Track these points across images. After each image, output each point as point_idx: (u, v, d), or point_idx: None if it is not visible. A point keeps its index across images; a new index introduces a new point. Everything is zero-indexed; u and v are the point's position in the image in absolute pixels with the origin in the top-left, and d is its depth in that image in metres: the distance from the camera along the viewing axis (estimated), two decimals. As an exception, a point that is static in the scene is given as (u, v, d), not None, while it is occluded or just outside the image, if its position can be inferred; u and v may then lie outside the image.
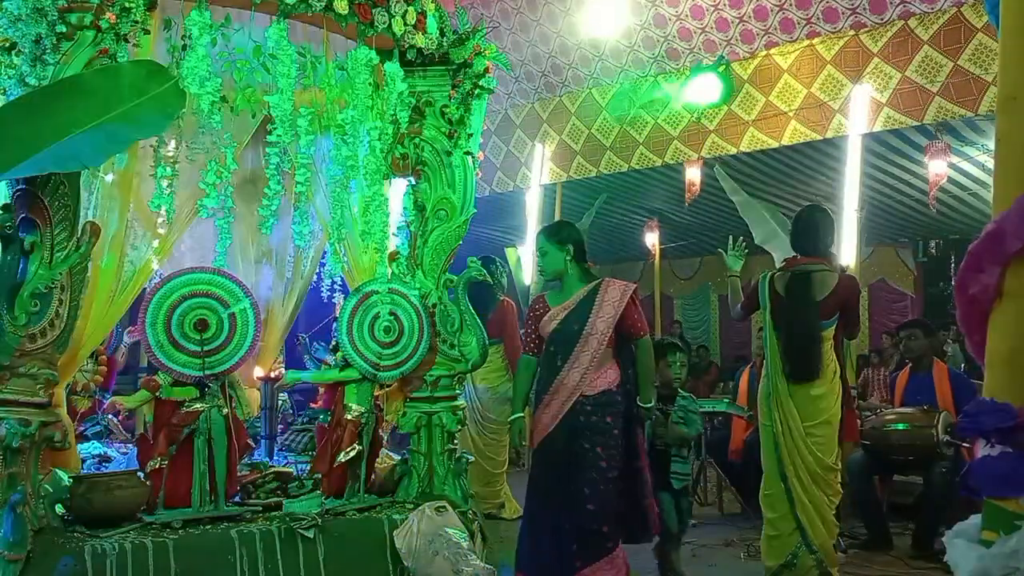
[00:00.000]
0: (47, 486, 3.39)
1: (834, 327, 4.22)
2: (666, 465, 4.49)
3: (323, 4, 3.78)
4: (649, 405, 4.01)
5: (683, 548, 5.24)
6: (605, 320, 3.98)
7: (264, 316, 4.57)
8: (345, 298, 4.20)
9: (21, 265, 3.22)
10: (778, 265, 4.90)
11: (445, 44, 4.30)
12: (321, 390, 4.53)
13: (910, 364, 5.74)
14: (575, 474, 3.88)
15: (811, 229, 4.36)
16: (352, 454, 3.91)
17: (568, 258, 4.10)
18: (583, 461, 3.88)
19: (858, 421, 5.19)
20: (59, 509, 3.39)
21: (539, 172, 9.09)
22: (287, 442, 5.07)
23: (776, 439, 4.24)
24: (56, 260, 3.25)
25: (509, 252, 9.05)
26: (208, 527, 3.48)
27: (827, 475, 4.16)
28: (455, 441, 4.37)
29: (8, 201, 3.30)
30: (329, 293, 4.16)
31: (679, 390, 4.65)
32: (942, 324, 10.04)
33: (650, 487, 4.08)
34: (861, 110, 6.84)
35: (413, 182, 4.39)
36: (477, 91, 4.41)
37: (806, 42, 7.26)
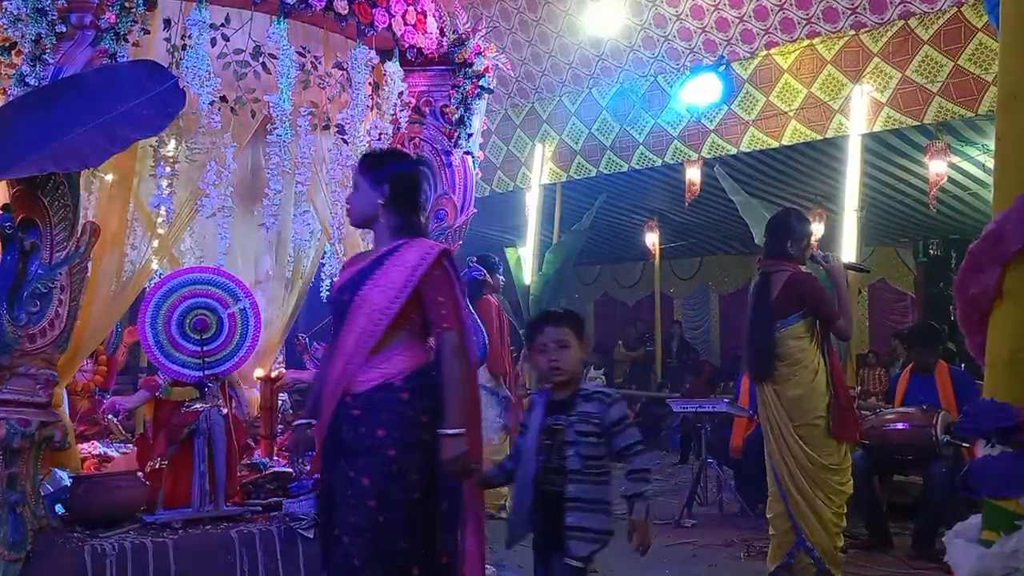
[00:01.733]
0: (47, 486, 3.39)
1: (800, 325, 4.19)
2: (556, 516, 2.66)
3: (323, 4, 3.78)
4: (454, 432, 2.70)
5: (683, 548, 5.25)
6: (385, 289, 2.77)
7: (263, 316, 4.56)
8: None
9: (21, 265, 3.22)
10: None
11: (445, 44, 4.31)
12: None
13: (913, 364, 5.74)
14: (335, 513, 2.74)
15: (774, 232, 4.39)
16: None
17: (379, 202, 2.88)
18: (345, 494, 2.72)
19: (859, 421, 5.18)
20: (59, 509, 3.39)
21: (539, 172, 9.09)
22: (287, 442, 5.07)
23: (767, 438, 4.25)
24: (56, 260, 3.25)
25: (509, 252, 9.04)
26: (208, 527, 3.48)
27: (823, 474, 4.14)
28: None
29: (8, 201, 3.30)
30: (329, 293, 4.16)
31: (581, 385, 2.80)
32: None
33: (469, 546, 2.91)
34: (861, 110, 6.84)
35: (413, 182, 4.39)
36: (477, 91, 4.41)
37: (806, 42, 7.25)
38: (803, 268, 4.31)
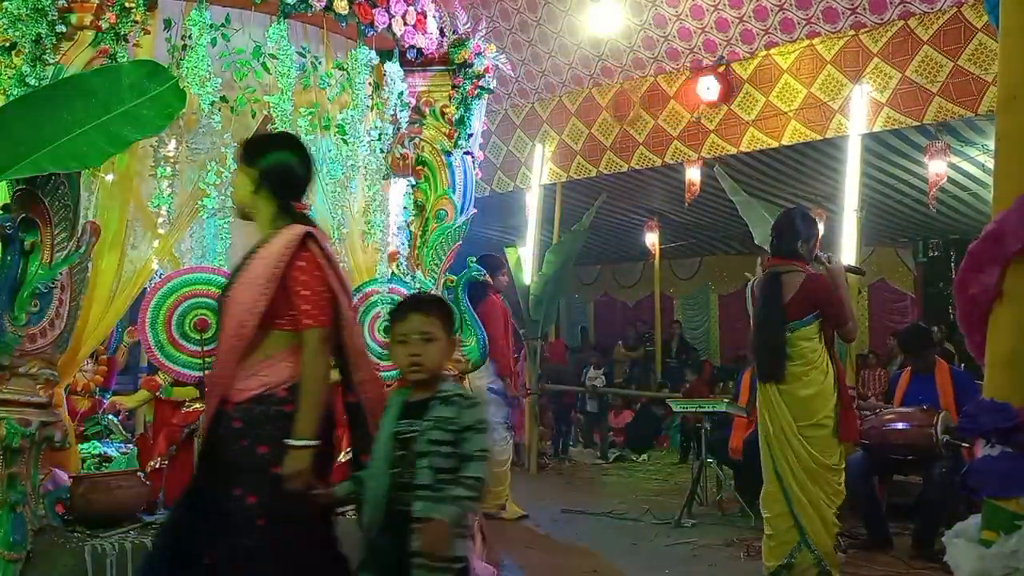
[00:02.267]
0: (47, 486, 3.39)
1: (813, 327, 4.20)
2: (405, 540, 2.30)
3: (323, 4, 3.78)
4: (298, 444, 2.44)
5: (683, 548, 5.25)
6: (251, 286, 2.53)
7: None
8: (345, 298, 4.19)
9: (21, 265, 3.22)
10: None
11: (445, 44, 4.31)
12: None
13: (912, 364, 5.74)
14: (207, 535, 2.49)
15: (782, 231, 4.38)
16: (352, 454, 3.91)
17: (251, 189, 2.67)
18: (233, 514, 2.47)
19: (858, 421, 5.18)
20: (59, 509, 3.39)
21: (539, 172, 9.09)
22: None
23: (768, 438, 4.24)
24: (56, 260, 3.25)
25: (509, 252, 9.04)
26: (208, 527, 3.48)
27: (826, 474, 4.15)
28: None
29: (8, 201, 3.30)
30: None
31: (442, 385, 2.45)
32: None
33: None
34: (861, 110, 6.83)
35: (413, 182, 4.40)
36: (477, 91, 4.42)
37: (806, 42, 7.25)
38: (811, 269, 4.31)
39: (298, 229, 2.58)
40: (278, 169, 2.66)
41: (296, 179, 2.70)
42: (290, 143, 2.80)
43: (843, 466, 4.23)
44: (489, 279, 5.81)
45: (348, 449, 3.91)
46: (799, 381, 4.16)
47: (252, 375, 2.52)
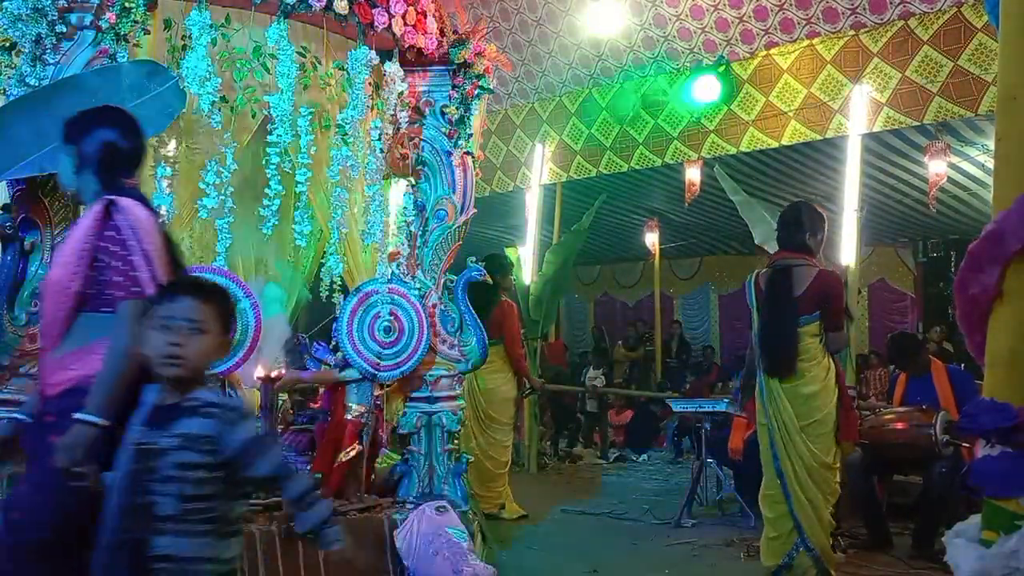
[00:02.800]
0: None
1: (817, 323, 4.19)
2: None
3: (323, 4, 3.79)
4: (83, 418, 2.17)
5: (683, 548, 5.25)
6: (64, 263, 2.37)
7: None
8: (345, 298, 4.20)
9: (21, 265, 3.22)
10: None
11: (445, 44, 4.31)
12: (321, 390, 4.53)
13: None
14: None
15: (789, 224, 4.37)
16: (352, 454, 3.92)
17: (73, 170, 2.50)
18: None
19: (858, 421, 5.18)
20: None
21: (539, 172, 9.08)
22: (287, 442, 5.07)
23: (771, 436, 4.23)
24: (56, 260, 3.25)
25: (509, 252, 9.04)
26: (208, 527, 3.48)
27: (825, 472, 4.15)
28: (455, 441, 4.38)
29: (8, 201, 3.30)
30: (328, 293, 4.16)
31: (194, 392, 2.06)
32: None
33: None
34: (861, 110, 6.83)
35: (413, 182, 4.40)
36: (477, 91, 4.42)
37: (806, 42, 7.25)
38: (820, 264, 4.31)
39: (103, 200, 2.38)
40: (98, 146, 2.47)
41: (120, 154, 2.50)
42: (110, 118, 2.56)
43: (839, 465, 4.24)
44: (490, 279, 5.81)
45: (349, 448, 3.92)
46: (803, 377, 4.16)
47: (65, 368, 2.33)
